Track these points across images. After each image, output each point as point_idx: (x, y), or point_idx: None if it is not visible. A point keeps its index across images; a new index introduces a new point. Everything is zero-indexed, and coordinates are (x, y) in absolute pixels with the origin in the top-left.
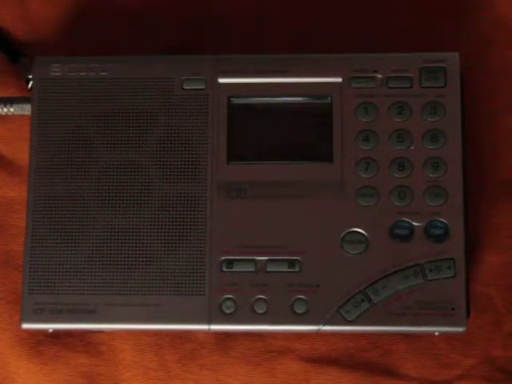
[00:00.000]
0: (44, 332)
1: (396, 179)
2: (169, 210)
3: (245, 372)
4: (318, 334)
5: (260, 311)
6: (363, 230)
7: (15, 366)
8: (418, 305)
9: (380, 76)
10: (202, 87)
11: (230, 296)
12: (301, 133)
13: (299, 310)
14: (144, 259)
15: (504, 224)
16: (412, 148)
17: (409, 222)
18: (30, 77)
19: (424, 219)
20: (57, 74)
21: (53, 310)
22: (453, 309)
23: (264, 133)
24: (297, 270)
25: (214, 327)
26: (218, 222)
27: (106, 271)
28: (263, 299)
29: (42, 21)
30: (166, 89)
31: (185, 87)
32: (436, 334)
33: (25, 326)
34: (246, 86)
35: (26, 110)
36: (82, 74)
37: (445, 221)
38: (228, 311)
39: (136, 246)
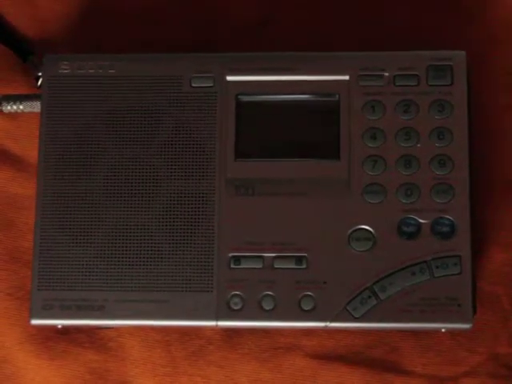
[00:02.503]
0: (53, 328)
1: (403, 176)
2: (177, 207)
3: (252, 368)
4: (324, 330)
5: (267, 307)
6: (370, 227)
7: (24, 361)
8: (425, 301)
9: (387, 74)
10: (211, 85)
11: (237, 292)
12: (308, 130)
13: (306, 306)
14: (152, 256)
15: (511, 221)
16: (419, 145)
17: (415, 219)
18: (40, 74)
19: (431, 216)
20: (66, 71)
21: (62, 306)
22: (459, 305)
23: (272, 130)
24: (304, 266)
25: (222, 323)
26: (226, 218)
27: (114, 267)
28: (270, 296)
29: (51, 19)
30: (175, 86)
31: (193, 85)
32: (442, 330)
33: (34, 321)
34: (254, 84)
35: (35, 107)
36: (91, 71)
37: (451, 218)
38: (235, 307)
39: (144, 243)
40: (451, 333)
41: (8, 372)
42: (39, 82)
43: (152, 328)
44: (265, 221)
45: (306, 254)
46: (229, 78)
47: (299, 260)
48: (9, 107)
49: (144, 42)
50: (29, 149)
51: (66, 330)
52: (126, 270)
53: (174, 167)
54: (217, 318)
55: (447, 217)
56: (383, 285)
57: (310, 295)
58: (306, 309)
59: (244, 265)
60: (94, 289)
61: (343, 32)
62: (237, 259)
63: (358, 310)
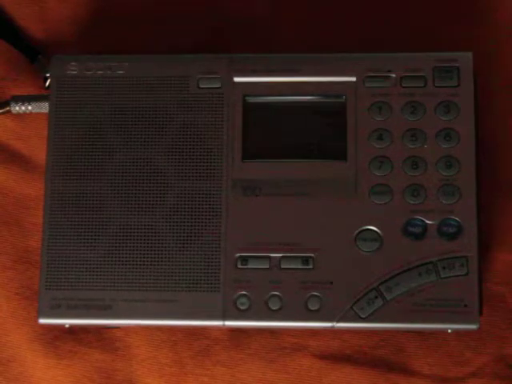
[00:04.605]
0: (60, 327)
1: (409, 177)
2: (184, 208)
3: (258, 368)
4: (331, 330)
5: (274, 308)
6: (377, 227)
7: (32, 360)
8: (431, 302)
9: (394, 75)
10: (218, 86)
11: (244, 292)
12: (315, 131)
13: (313, 306)
14: (159, 255)
15: None
16: (425, 147)
17: (422, 220)
18: (48, 75)
19: (437, 217)
20: (74, 72)
21: (69, 306)
22: (465, 306)
23: (279, 131)
24: (311, 267)
25: (229, 323)
26: (233, 219)
27: (121, 267)
28: (277, 296)
29: (59, 20)
30: (182, 87)
31: (200, 86)
32: (449, 331)
33: (42, 321)
34: (261, 85)
35: (43, 108)
36: (99, 72)
37: (458, 219)
38: (242, 307)
39: (151, 243)
40: (457, 333)
41: (16, 371)
42: (47, 83)
43: (159, 328)
44: (272, 221)
45: (312, 255)
46: (236, 79)
47: (306, 260)
48: (17, 108)
49: (151, 43)
50: (37, 149)
51: (73, 329)
52: (133, 270)
53: (181, 168)
54: (223, 318)
55: (454, 218)
56: (389, 285)
57: (316, 295)
58: (312, 309)
59: (251, 265)
60: (102, 288)
61: (353, 33)
62: (244, 259)
63: (365, 310)
